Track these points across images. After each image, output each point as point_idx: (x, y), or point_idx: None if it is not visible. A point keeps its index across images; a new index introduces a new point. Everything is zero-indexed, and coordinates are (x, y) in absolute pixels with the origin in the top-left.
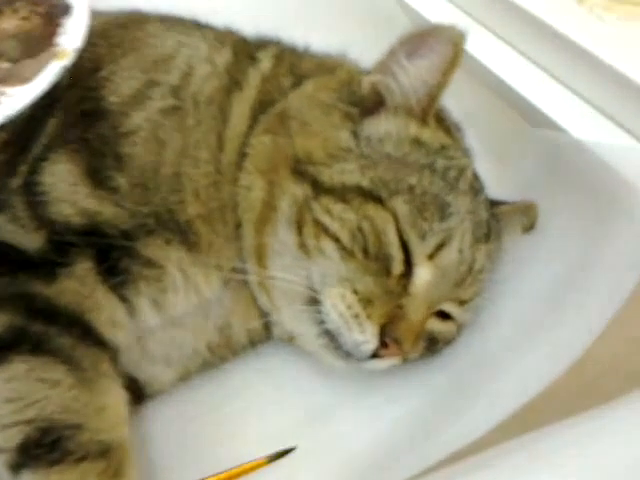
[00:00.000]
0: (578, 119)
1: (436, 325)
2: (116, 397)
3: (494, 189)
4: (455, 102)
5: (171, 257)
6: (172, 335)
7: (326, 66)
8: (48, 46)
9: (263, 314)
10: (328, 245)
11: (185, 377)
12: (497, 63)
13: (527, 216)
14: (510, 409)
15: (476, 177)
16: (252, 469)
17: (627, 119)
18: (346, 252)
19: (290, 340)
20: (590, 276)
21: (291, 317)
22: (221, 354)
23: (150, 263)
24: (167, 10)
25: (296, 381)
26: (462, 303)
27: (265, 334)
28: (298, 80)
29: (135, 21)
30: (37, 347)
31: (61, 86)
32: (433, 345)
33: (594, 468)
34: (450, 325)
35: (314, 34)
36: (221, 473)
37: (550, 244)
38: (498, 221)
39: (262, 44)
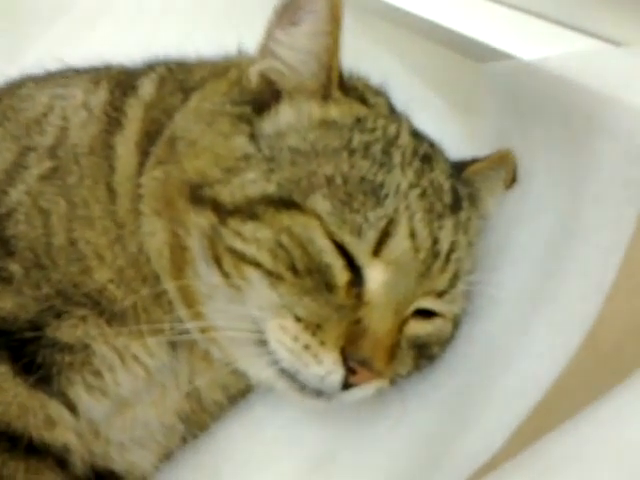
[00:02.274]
0: (526, 38)
1: (419, 327)
2: None
3: (464, 145)
4: (392, 62)
5: (92, 335)
6: (132, 416)
7: (218, 70)
8: None
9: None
10: (251, 273)
11: (167, 455)
12: (420, 5)
13: (505, 168)
14: (527, 405)
15: (421, 141)
16: None
17: (579, 19)
18: (273, 276)
19: (270, 386)
20: (587, 220)
21: (247, 363)
22: (198, 421)
23: (70, 347)
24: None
25: (288, 429)
26: (441, 294)
27: (241, 385)
28: (186, 96)
29: (7, 90)
30: None
31: None
32: (425, 351)
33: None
34: (437, 322)
35: None
36: None
37: (537, 194)
38: (471, 184)
39: (145, 70)
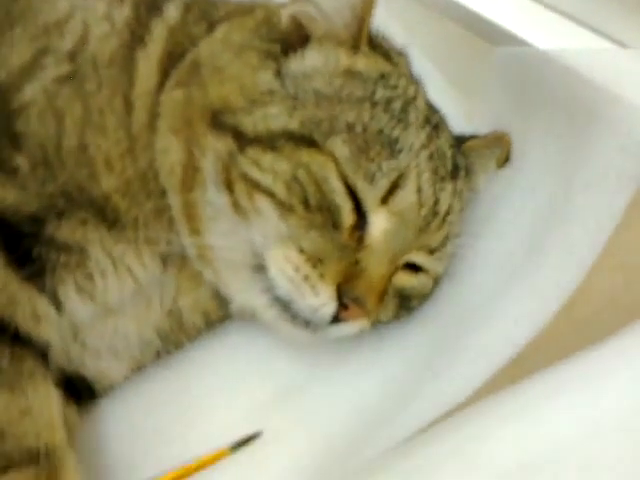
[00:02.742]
0: (541, 28)
1: (406, 279)
2: (44, 399)
3: (463, 123)
4: (405, 36)
5: (90, 238)
6: (113, 325)
7: (243, 9)
8: None
9: (215, 291)
10: (263, 202)
11: (138, 368)
12: None
13: (500, 148)
14: (498, 362)
15: (432, 109)
16: (213, 461)
17: (593, 19)
18: (284, 207)
19: (251, 316)
20: (575, 204)
21: (239, 289)
22: (175, 340)
23: (67, 248)
24: None
25: (261, 360)
26: (432, 251)
27: (221, 312)
28: (211, 26)
29: None
30: None
31: None
32: (406, 302)
33: (597, 409)
34: (422, 278)
35: None
36: (181, 469)
37: (528, 175)
38: (467, 157)
39: None
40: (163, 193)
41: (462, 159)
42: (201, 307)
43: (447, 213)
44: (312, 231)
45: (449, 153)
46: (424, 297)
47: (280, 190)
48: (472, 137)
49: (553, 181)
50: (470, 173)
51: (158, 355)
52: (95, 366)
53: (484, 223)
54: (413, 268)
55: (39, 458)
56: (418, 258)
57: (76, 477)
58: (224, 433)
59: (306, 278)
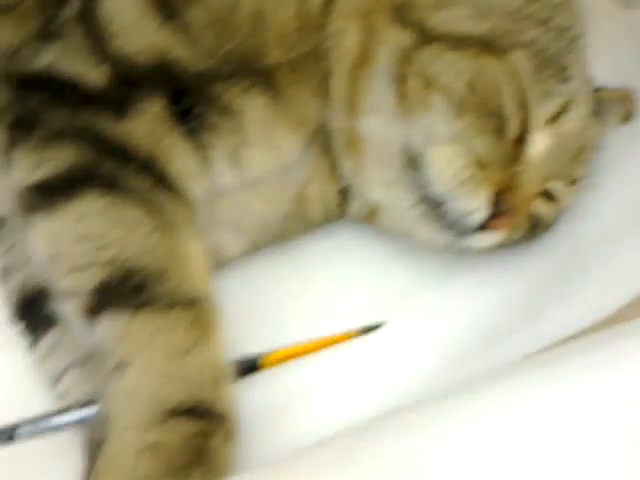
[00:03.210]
0: None
1: (541, 205)
2: (198, 250)
3: None
4: None
5: (251, 106)
6: (246, 199)
7: None
8: None
9: (342, 187)
10: (437, 99)
11: (255, 248)
12: None
13: (624, 104)
14: (624, 297)
15: None
16: (338, 341)
17: None
18: (459, 107)
19: (369, 217)
20: None
21: (383, 184)
22: (294, 227)
23: (228, 111)
24: None
25: (373, 262)
26: (572, 182)
27: (339, 211)
28: None
29: None
30: (112, 186)
31: None
32: (533, 228)
33: None
34: (553, 207)
35: None
36: (305, 344)
37: None
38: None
39: None
40: (327, 75)
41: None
42: (326, 200)
43: (591, 149)
44: (481, 135)
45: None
46: (548, 227)
47: (459, 90)
48: (599, 89)
49: None
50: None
51: (274, 239)
52: (217, 237)
53: (607, 169)
54: (548, 197)
55: (196, 303)
56: (557, 187)
57: (222, 330)
58: (338, 321)
59: (467, 180)
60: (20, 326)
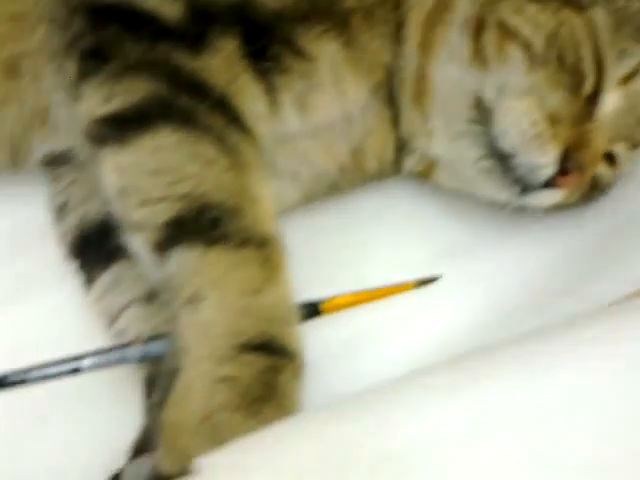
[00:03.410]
0: None
1: (602, 168)
2: (268, 191)
3: None
4: None
5: (324, 51)
6: (306, 148)
7: None
8: None
9: (401, 142)
10: (515, 51)
11: (310, 199)
12: None
13: None
14: None
15: None
16: (396, 292)
17: None
18: (536, 60)
19: (425, 173)
20: None
21: (447, 137)
22: (350, 179)
23: (301, 54)
24: None
25: (427, 218)
26: (635, 146)
27: (395, 166)
28: None
29: None
30: (187, 121)
31: None
32: (591, 191)
33: None
34: (613, 171)
35: None
36: (360, 293)
37: None
38: None
39: None
40: (402, 23)
41: None
42: (382, 154)
43: None
44: (556, 90)
45: None
46: (604, 191)
47: (538, 42)
48: None
49: None
50: None
51: (329, 190)
52: (273, 185)
53: None
54: (609, 159)
55: (267, 243)
56: (620, 150)
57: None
58: (391, 273)
59: (539, 135)
60: (75, 264)
